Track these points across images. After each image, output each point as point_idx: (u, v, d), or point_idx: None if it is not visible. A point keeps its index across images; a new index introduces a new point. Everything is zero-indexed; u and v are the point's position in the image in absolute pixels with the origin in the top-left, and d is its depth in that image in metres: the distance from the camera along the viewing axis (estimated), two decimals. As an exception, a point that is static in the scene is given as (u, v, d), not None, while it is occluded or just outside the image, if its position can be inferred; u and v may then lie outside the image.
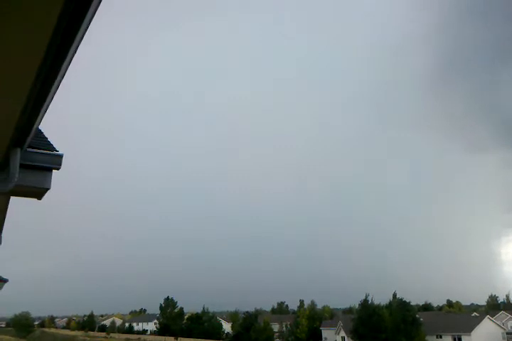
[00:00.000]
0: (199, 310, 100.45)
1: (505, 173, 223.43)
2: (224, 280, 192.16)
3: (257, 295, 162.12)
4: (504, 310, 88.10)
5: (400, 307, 60.40)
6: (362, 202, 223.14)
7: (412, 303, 67.95)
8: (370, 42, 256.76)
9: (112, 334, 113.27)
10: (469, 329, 65.27)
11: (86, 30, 2.13)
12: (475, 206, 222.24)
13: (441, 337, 67.52)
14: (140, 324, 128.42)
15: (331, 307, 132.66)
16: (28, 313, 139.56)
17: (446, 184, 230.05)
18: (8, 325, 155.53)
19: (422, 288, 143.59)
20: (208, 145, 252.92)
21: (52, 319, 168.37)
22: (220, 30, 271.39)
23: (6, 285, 8.67)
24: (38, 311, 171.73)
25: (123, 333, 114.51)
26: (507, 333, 72.85)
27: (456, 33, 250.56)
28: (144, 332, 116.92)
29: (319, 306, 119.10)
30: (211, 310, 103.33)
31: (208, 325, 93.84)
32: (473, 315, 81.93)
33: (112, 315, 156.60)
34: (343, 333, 76.29)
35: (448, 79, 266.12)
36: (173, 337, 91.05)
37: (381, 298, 70.67)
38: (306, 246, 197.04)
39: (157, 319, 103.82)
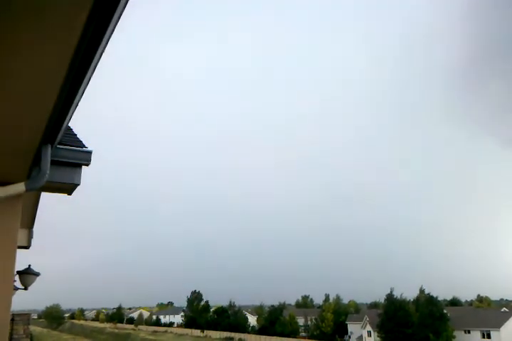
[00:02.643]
0: (225, 304, 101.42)
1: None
2: (250, 274, 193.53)
3: (281, 289, 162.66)
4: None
5: (427, 302, 59.69)
6: (393, 199, 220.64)
7: (439, 298, 67.08)
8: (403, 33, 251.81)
9: (139, 327, 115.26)
10: (498, 324, 64.09)
11: (113, 30, 2.19)
12: (507, 201, 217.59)
13: (469, 332, 66.47)
14: (167, 316, 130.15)
15: (357, 301, 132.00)
16: (58, 306, 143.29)
17: (480, 179, 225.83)
18: (39, 316, 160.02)
19: (451, 283, 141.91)
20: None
21: (81, 311, 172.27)
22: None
23: (37, 278, 8.94)
24: (68, 304, 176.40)
25: (150, 325, 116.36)
26: (537, 329, 71.31)
27: (488, 23, 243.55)
28: (171, 324, 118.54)
29: (345, 300, 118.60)
30: (237, 303, 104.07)
31: (234, 318, 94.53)
32: (502, 310, 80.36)
33: (140, 308, 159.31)
34: (369, 328, 75.85)
35: (481, 72, 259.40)
36: (199, 330, 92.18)
37: (408, 293, 69.99)
38: (333, 242, 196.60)
39: (184, 312, 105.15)
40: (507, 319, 65.68)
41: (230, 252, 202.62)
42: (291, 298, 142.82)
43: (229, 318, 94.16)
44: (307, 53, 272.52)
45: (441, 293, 78.27)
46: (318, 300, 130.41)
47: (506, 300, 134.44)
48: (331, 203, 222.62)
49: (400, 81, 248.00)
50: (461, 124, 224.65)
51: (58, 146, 3.91)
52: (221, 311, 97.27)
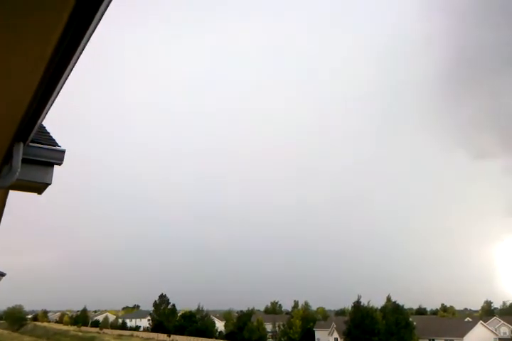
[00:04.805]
0: (194, 308, 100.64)
1: (506, 180, 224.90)
2: (219, 279, 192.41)
3: (251, 294, 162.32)
4: (499, 315, 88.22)
5: (393, 310, 60.49)
6: (361, 205, 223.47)
7: (406, 307, 68.10)
8: (380, 42, 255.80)
9: (104, 330, 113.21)
10: (462, 334, 65.39)
11: (94, 30, 2.17)
12: (475, 211, 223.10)
13: (433, 341, 67.70)
14: (133, 320, 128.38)
15: (326, 308, 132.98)
16: (21, 307, 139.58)
17: (449, 189, 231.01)
18: (0, 317, 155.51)
19: (417, 293, 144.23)
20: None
21: (45, 313, 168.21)
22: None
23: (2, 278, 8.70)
24: (31, 305, 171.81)
25: (116, 329, 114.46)
26: (499, 339, 73.05)
27: (467, 37, 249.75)
28: (137, 328, 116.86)
29: (313, 307, 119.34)
30: (205, 308, 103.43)
31: (201, 323, 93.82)
32: (466, 320, 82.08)
33: (105, 311, 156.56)
34: (336, 335, 76.38)
35: (459, 83, 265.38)
36: (166, 334, 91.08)
37: (376, 301, 70.79)
38: (302, 248, 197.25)
39: (150, 315, 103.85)
40: (470, 329, 67.10)
41: (200, 256, 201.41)
42: (261, 304, 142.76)
43: (196, 323, 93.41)
44: (295, 59, 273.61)
45: (408, 302, 79.77)
46: (287, 306, 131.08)
47: (470, 309, 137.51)
48: (302, 211, 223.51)
49: (379, 91, 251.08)
50: (436, 135, 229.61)
51: (31, 144, 3.84)
52: (189, 315, 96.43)
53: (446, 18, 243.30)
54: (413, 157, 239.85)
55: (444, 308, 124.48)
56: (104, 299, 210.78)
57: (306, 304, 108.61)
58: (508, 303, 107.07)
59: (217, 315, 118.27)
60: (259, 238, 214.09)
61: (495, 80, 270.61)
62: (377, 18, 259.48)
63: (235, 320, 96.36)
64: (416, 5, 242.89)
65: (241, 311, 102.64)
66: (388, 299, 63.62)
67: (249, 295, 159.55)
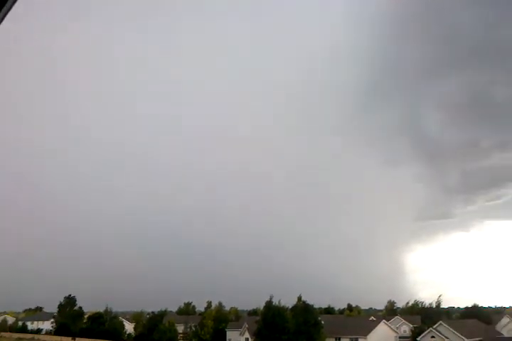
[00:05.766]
0: (103, 310, 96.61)
1: (414, 186, 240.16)
2: (130, 279, 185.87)
3: (163, 295, 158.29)
4: (401, 315, 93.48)
5: (303, 309, 61.92)
6: (274, 209, 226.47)
7: (315, 306, 70.00)
8: (302, 49, 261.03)
9: (2, 334, 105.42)
10: (366, 332, 68.36)
11: None
12: (386, 215, 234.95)
13: (339, 339, 70.14)
14: (35, 323, 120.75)
15: (239, 308, 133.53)
16: None
17: (362, 193, 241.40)
18: None
19: (327, 292, 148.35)
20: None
21: None
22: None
23: None
24: None
25: (15, 332, 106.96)
26: (400, 337, 77.52)
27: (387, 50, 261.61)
28: (39, 331, 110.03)
29: (227, 307, 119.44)
30: (115, 309, 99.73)
31: (109, 325, 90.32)
32: (370, 319, 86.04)
33: (4, 313, 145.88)
34: (247, 334, 76.81)
35: (380, 93, 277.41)
36: (70, 337, 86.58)
37: (288, 300, 72.21)
38: (217, 247, 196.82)
39: (54, 318, 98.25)
40: (374, 327, 70.37)
41: (109, 255, 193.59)
42: (174, 305, 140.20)
43: (104, 325, 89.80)
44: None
45: (318, 301, 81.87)
46: (201, 307, 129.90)
47: (375, 309, 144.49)
48: (212, 214, 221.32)
49: (303, 95, 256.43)
50: (350, 141, 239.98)
51: None
52: (96, 317, 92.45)
53: (372, 30, 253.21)
54: (330, 162, 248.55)
55: (351, 307, 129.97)
56: (3, 300, 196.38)
57: (220, 304, 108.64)
58: (409, 303, 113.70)
59: (127, 317, 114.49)
60: (172, 238, 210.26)
61: (412, 91, 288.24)
62: (309, 25, 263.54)
63: (145, 322, 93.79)
64: (345, 17, 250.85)
65: (152, 312, 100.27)
66: (299, 299, 65.06)
67: (162, 295, 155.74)
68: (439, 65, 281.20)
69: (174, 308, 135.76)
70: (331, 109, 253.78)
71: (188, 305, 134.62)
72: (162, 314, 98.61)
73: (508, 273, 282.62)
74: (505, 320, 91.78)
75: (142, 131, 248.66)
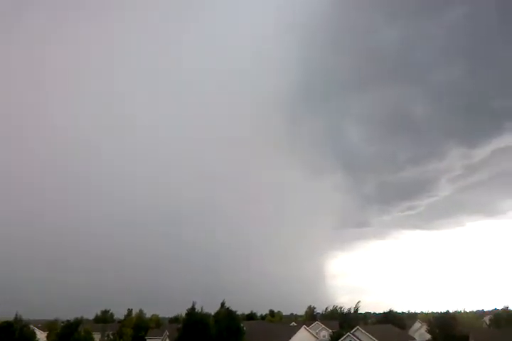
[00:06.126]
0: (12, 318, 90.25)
1: (335, 195, 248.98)
2: (43, 285, 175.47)
3: (79, 302, 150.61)
4: (321, 320, 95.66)
5: (226, 316, 61.50)
6: (199, 217, 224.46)
7: (238, 312, 69.80)
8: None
9: None
10: (287, 338, 69.07)
11: None
12: (306, 224, 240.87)
13: (261, 345, 70.32)
14: None
15: (160, 315, 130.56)
16: None
17: (286, 201, 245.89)
18: None
19: (250, 298, 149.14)
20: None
21: None
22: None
23: None
24: None
25: None
26: (319, 341, 79.27)
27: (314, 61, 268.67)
28: None
29: (148, 315, 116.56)
30: (26, 317, 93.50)
31: (20, 334, 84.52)
32: (292, 324, 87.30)
33: None
34: (167, 342, 75.16)
35: (305, 104, 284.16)
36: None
37: (211, 307, 71.51)
38: (136, 253, 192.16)
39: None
40: (294, 333, 71.31)
41: (19, 260, 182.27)
42: (91, 313, 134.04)
43: (14, 334, 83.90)
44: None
45: (241, 307, 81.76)
46: (119, 315, 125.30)
47: (296, 314, 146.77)
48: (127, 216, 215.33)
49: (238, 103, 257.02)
50: (281, 152, 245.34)
51: None
52: (5, 326, 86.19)
53: (298, 41, 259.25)
54: (251, 171, 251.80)
55: (272, 313, 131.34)
56: None
57: (141, 312, 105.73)
58: (329, 309, 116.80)
59: (40, 325, 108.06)
60: (90, 240, 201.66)
61: (336, 104, 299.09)
62: (230, 35, 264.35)
63: (59, 330, 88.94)
64: (269, 28, 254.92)
65: (67, 320, 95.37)
66: (222, 305, 64.61)
67: (77, 303, 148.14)
68: (362, 79, 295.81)
69: (91, 316, 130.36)
70: (254, 120, 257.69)
71: (105, 312, 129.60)
72: (78, 322, 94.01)
73: (421, 280, 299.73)
74: (417, 324, 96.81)
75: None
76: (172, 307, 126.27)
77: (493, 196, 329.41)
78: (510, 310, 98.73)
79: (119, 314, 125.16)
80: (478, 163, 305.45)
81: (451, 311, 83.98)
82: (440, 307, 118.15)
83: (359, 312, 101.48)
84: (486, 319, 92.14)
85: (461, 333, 68.74)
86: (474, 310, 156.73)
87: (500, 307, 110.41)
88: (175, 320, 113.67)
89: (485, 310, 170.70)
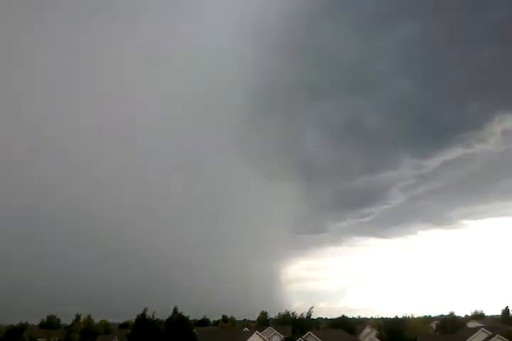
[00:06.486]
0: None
1: (292, 202, 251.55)
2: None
3: (23, 307, 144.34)
4: (273, 325, 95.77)
5: (178, 321, 60.64)
6: (153, 220, 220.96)
7: (190, 318, 68.99)
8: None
9: None
10: (239, 343, 68.82)
11: None
12: (262, 230, 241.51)
13: (213, 351, 69.66)
14: None
15: (110, 321, 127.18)
16: None
17: (244, 206, 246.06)
18: None
19: (203, 304, 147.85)
20: None
21: None
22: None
23: None
24: None
25: None
26: (271, 347, 79.34)
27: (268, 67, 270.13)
28: None
29: (96, 320, 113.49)
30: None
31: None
32: (244, 330, 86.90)
33: None
34: (116, 349, 73.31)
35: (264, 109, 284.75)
36: None
37: (164, 313, 70.27)
38: (85, 257, 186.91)
39: None
40: (247, 338, 71.01)
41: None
42: (36, 318, 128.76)
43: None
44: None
45: (194, 313, 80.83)
46: (66, 320, 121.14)
47: (248, 320, 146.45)
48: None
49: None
50: (237, 155, 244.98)
51: None
52: None
53: (260, 42, 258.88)
54: (214, 174, 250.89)
55: (225, 319, 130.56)
56: None
57: (89, 317, 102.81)
58: (281, 314, 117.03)
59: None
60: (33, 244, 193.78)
61: (297, 112, 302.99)
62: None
63: (1, 336, 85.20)
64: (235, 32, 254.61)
65: (11, 326, 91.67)
66: (175, 310, 63.68)
67: (21, 307, 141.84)
68: (320, 88, 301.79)
69: (36, 321, 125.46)
70: (214, 124, 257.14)
71: (52, 317, 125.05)
72: (22, 327, 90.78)
73: (374, 286, 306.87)
74: (367, 330, 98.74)
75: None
76: (122, 312, 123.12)
77: (442, 205, 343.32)
78: (455, 316, 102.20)
79: (67, 319, 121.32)
80: (429, 173, 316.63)
81: (400, 317, 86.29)
82: (390, 313, 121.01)
83: (312, 317, 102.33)
84: (433, 324, 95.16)
85: (409, 338, 70.65)
86: (422, 316, 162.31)
87: (446, 313, 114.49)
88: (125, 325, 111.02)
89: (432, 315, 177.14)
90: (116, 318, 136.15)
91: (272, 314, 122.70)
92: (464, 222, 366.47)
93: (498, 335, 54.00)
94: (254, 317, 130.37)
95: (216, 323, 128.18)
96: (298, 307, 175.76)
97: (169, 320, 61.89)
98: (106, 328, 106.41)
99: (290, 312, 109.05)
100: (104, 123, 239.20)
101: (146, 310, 58.92)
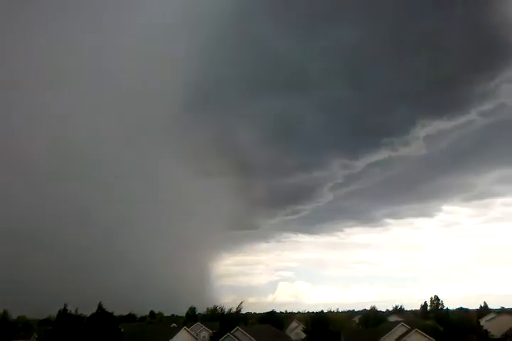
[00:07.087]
0: None
1: (224, 198, 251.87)
2: None
3: None
4: (201, 321, 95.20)
5: (102, 318, 58.73)
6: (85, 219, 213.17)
7: (116, 314, 67.17)
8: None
9: None
10: (166, 339, 67.68)
11: None
12: (194, 225, 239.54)
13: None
14: None
15: (29, 317, 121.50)
16: None
17: (179, 202, 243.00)
18: None
19: (130, 300, 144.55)
20: None
21: None
22: None
23: None
24: None
25: None
26: (200, 342, 78.85)
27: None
28: None
29: (14, 316, 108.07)
30: None
31: None
32: (172, 325, 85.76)
33: None
34: (36, 346, 70.15)
35: (199, 110, 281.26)
36: None
37: (87, 309, 67.69)
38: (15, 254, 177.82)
39: None
40: (174, 334, 70.15)
41: None
42: None
43: None
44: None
45: (120, 309, 78.55)
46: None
47: (177, 315, 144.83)
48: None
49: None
50: (174, 153, 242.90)
51: None
52: None
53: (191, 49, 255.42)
54: (147, 170, 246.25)
55: (153, 314, 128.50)
56: None
57: (5, 313, 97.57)
58: (210, 309, 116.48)
59: None
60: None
61: (231, 108, 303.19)
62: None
63: None
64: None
65: None
66: (99, 306, 61.57)
67: None
68: (256, 87, 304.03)
69: None
70: (148, 120, 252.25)
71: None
72: None
73: (303, 281, 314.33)
74: (294, 324, 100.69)
75: None
76: (42, 308, 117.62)
77: (368, 204, 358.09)
78: (377, 311, 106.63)
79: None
80: (357, 173, 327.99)
81: (325, 311, 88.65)
82: (317, 308, 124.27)
83: (242, 312, 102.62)
84: (356, 318, 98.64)
85: (333, 332, 72.79)
86: (346, 311, 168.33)
87: (368, 307, 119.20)
88: (45, 322, 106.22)
89: (356, 310, 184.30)
90: (35, 315, 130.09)
91: (202, 309, 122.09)
92: (387, 220, 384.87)
93: (416, 329, 56.63)
94: (183, 312, 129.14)
95: (143, 319, 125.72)
96: (228, 302, 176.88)
97: (92, 316, 59.83)
98: (25, 324, 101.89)
99: (218, 307, 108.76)
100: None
101: (66, 305, 56.66)
